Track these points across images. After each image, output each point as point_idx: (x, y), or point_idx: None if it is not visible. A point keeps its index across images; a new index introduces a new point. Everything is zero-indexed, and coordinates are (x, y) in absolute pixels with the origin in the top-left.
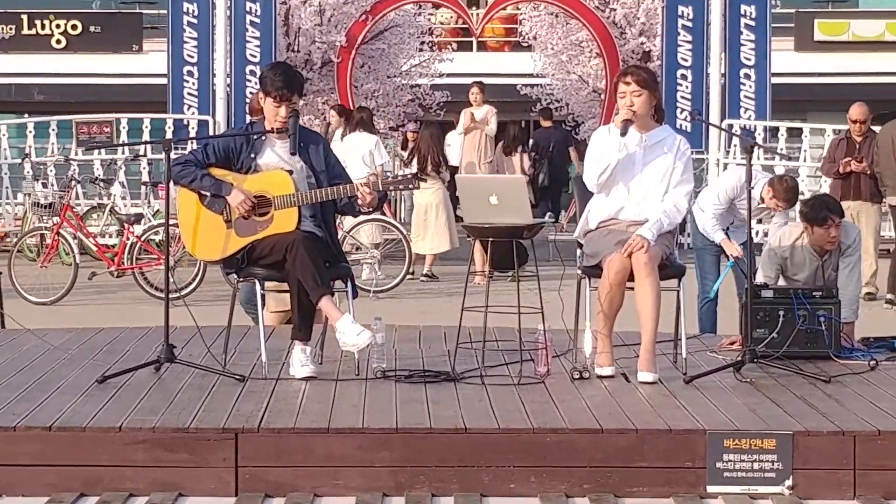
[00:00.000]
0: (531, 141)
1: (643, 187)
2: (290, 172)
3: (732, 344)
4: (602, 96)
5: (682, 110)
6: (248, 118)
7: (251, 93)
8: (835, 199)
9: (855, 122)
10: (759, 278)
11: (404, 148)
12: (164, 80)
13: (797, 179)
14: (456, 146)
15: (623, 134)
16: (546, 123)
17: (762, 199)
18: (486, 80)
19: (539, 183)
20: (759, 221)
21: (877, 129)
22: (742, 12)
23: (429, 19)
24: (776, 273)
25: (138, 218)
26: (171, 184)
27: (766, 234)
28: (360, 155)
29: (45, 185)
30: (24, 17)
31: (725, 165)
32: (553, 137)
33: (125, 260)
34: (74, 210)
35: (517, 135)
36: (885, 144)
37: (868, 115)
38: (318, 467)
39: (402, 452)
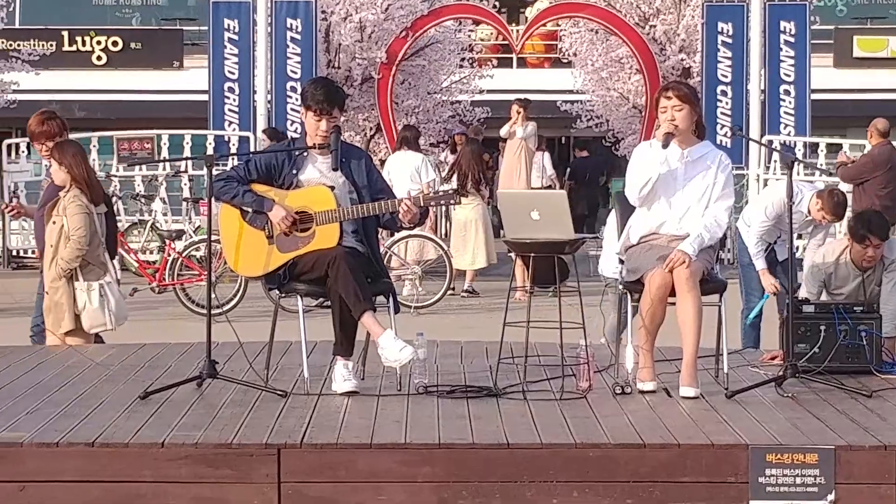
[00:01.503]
0: (568, 170)
1: (684, 202)
2: (332, 188)
3: (774, 359)
4: (642, 112)
5: (723, 126)
6: (289, 134)
7: (292, 109)
8: (882, 219)
9: None
10: (802, 294)
11: (454, 152)
12: (205, 97)
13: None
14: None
15: (665, 146)
16: (582, 153)
17: (809, 211)
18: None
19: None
20: (800, 237)
21: None
22: (782, 28)
23: (469, 36)
24: (819, 289)
25: (179, 234)
26: (213, 200)
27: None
28: (407, 173)
29: None
30: (65, 33)
31: (766, 181)
32: (589, 166)
33: (166, 276)
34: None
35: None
36: None
37: (871, 129)
38: (360, 482)
39: (444, 468)
